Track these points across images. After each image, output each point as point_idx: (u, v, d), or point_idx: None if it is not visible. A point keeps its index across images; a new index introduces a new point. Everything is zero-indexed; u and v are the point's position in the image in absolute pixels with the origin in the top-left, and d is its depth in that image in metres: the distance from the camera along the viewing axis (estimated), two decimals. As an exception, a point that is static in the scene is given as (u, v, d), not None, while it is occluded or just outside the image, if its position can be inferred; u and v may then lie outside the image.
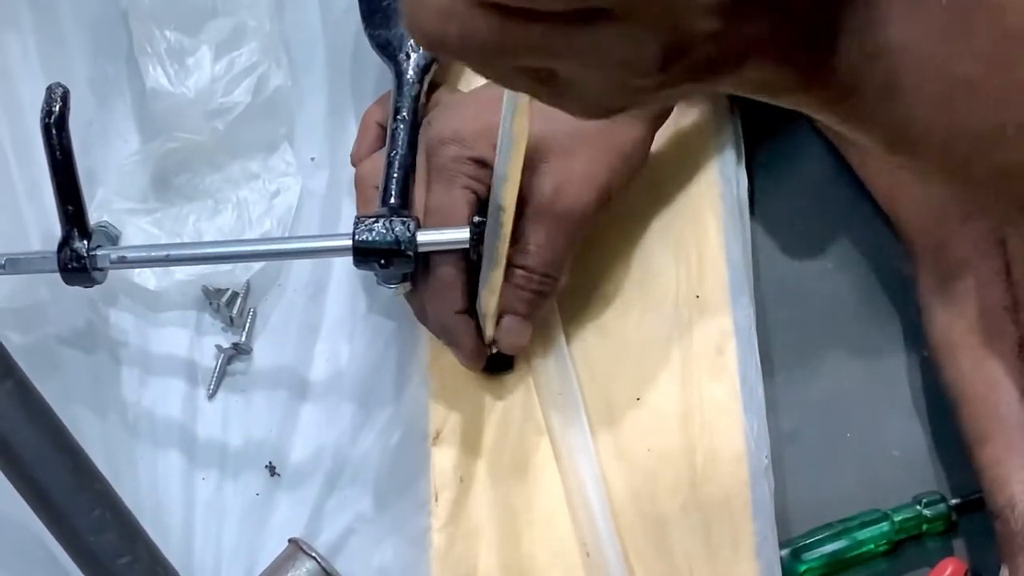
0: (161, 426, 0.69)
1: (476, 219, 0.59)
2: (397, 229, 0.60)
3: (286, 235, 0.70)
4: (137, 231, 0.70)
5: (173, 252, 0.64)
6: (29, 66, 0.73)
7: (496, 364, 0.65)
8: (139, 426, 0.69)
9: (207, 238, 0.70)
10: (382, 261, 0.60)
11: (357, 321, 0.70)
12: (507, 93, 0.49)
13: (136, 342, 0.70)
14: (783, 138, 0.71)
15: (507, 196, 0.55)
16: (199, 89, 0.69)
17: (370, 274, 0.66)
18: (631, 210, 0.67)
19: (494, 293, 0.60)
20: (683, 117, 0.68)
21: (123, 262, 0.63)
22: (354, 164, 0.67)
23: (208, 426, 0.69)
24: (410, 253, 0.60)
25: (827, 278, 0.69)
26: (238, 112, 0.69)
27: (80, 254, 0.62)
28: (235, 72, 0.70)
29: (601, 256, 0.65)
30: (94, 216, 0.67)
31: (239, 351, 0.70)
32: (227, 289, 0.70)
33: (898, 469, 0.65)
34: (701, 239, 0.66)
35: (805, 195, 0.71)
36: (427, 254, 0.61)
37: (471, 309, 0.62)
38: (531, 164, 0.60)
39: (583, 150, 0.60)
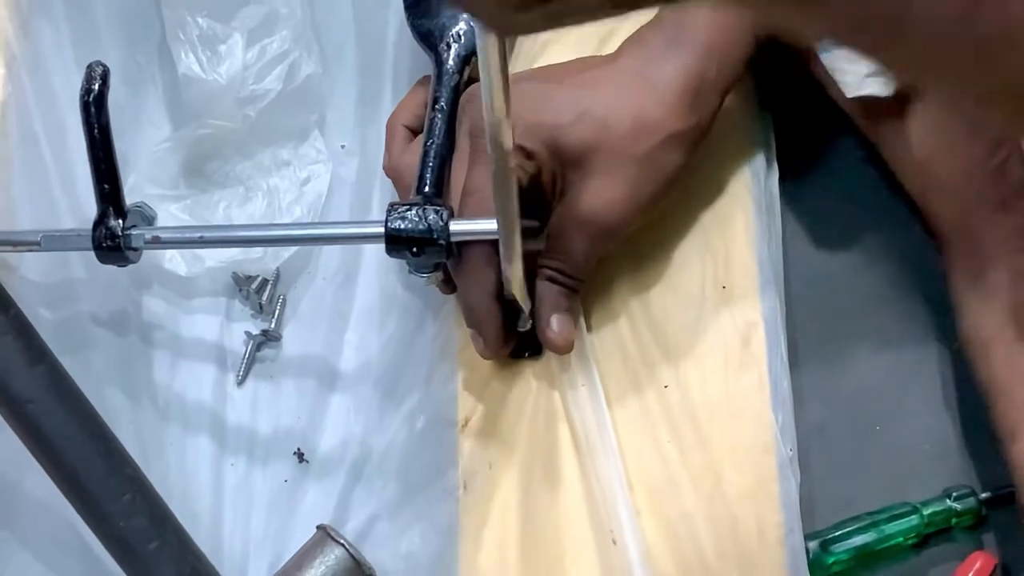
0: (191, 412, 0.69)
1: None
2: (430, 218, 0.59)
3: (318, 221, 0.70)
4: (168, 217, 0.70)
5: (207, 234, 0.63)
6: (62, 55, 0.73)
7: (526, 347, 0.65)
8: (169, 412, 0.69)
9: (237, 225, 0.70)
10: (414, 249, 0.60)
11: (386, 309, 0.69)
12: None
13: (167, 328, 0.71)
14: (815, 131, 0.70)
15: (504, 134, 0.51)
16: (231, 76, 0.69)
17: (400, 262, 0.66)
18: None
19: (517, 254, 0.58)
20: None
21: (157, 242, 0.63)
22: (389, 173, 0.67)
23: (237, 412, 0.69)
24: (442, 242, 0.59)
25: (857, 270, 0.69)
26: (269, 99, 0.69)
27: (115, 233, 0.62)
28: (267, 59, 0.69)
29: (628, 246, 0.65)
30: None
31: (269, 338, 0.70)
32: (257, 276, 0.70)
33: (927, 462, 0.65)
34: (728, 230, 0.66)
35: (836, 187, 0.70)
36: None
37: (502, 295, 0.62)
38: (580, 172, 0.60)
39: (630, 171, 0.61)
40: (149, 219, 0.67)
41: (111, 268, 0.66)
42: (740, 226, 0.66)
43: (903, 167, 0.66)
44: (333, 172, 0.71)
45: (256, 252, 0.69)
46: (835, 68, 0.64)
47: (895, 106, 0.64)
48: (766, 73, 0.68)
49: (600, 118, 0.60)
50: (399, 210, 0.60)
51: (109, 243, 0.62)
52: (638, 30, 0.63)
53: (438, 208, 0.60)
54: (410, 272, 0.63)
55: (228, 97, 0.69)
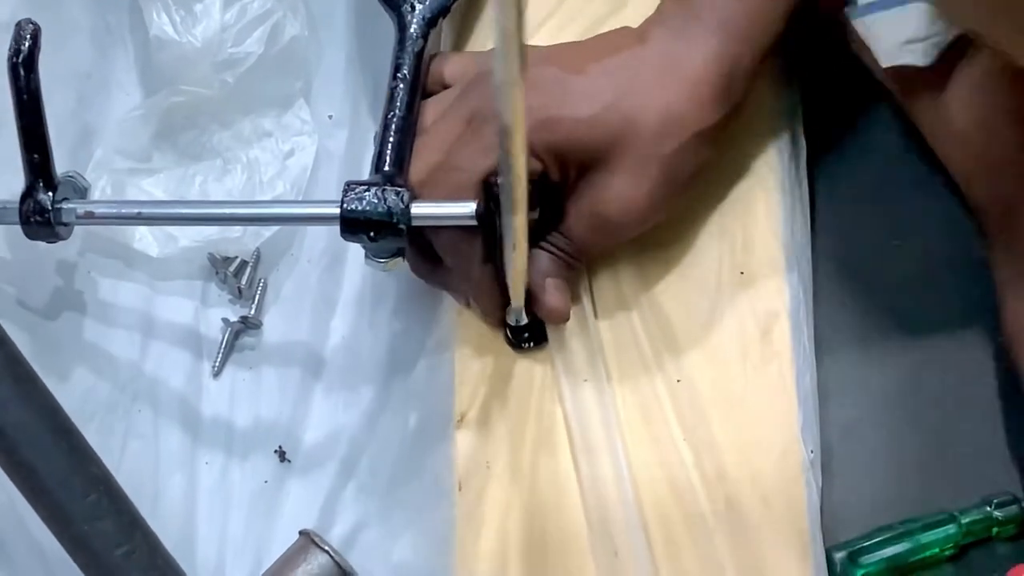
0: (162, 405, 0.68)
1: (496, 178, 0.55)
2: (390, 200, 0.57)
3: (300, 199, 0.69)
4: (139, 192, 0.69)
5: (145, 210, 0.62)
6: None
7: (528, 336, 0.63)
8: (138, 405, 0.68)
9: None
10: (372, 234, 0.58)
11: (377, 294, 0.68)
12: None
13: (136, 314, 0.69)
14: (847, 103, 0.69)
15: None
16: (207, 38, 0.67)
17: (392, 245, 0.66)
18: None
19: (521, 240, 0.55)
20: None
21: (91, 217, 0.62)
22: None
23: (213, 407, 0.68)
24: (402, 227, 0.57)
25: (891, 255, 0.67)
26: (250, 64, 0.68)
27: (44, 207, 0.61)
28: (247, 20, 0.68)
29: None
30: (92, 176, 0.67)
31: (248, 325, 0.69)
32: (235, 257, 0.69)
33: (967, 467, 0.63)
34: (748, 211, 0.64)
35: (869, 165, 0.68)
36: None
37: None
38: (599, 171, 0.59)
39: (653, 171, 0.59)
40: (81, 191, 0.65)
41: (68, 247, 0.64)
42: (761, 206, 0.64)
43: (943, 142, 0.65)
44: (319, 144, 0.70)
45: (235, 231, 0.68)
46: (869, 35, 0.62)
47: (934, 75, 0.62)
48: (793, 39, 0.66)
49: (626, 113, 0.58)
50: (356, 190, 0.58)
51: (37, 218, 0.61)
52: (661, 4, 0.61)
53: (398, 189, 0.58)
54: (367, 258, 0.61)
55: (204, 61, 0.67)
